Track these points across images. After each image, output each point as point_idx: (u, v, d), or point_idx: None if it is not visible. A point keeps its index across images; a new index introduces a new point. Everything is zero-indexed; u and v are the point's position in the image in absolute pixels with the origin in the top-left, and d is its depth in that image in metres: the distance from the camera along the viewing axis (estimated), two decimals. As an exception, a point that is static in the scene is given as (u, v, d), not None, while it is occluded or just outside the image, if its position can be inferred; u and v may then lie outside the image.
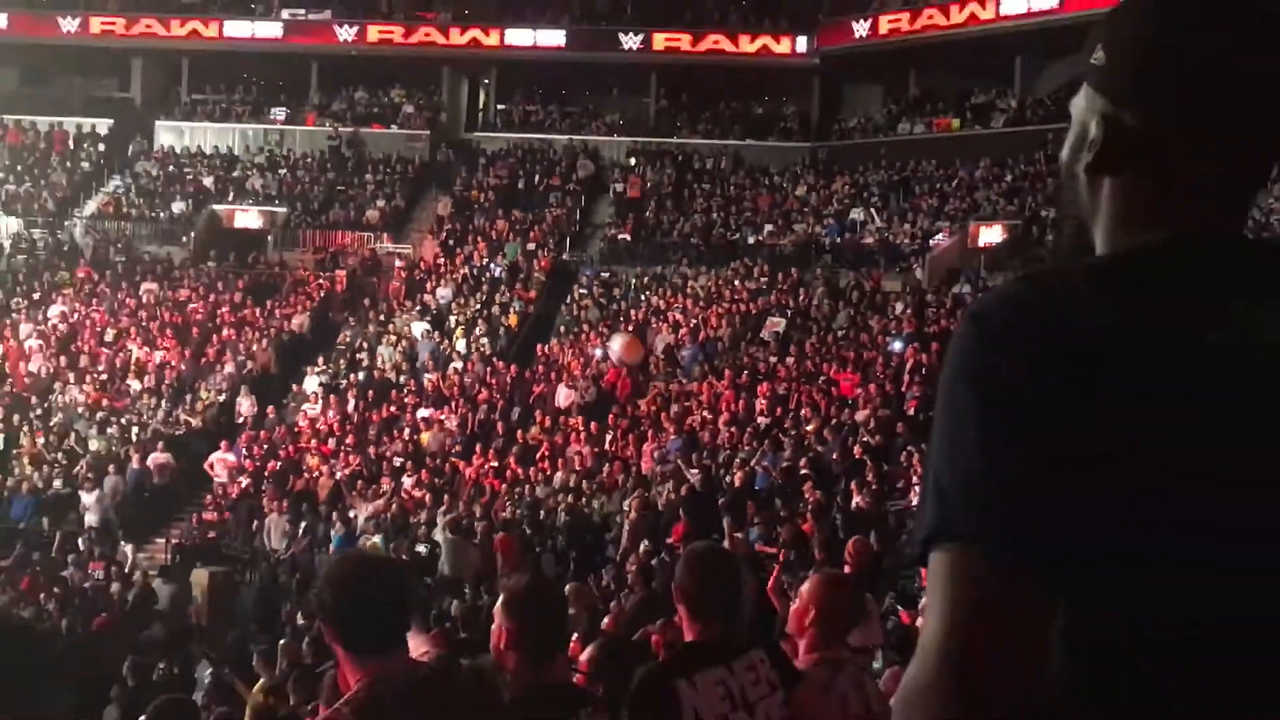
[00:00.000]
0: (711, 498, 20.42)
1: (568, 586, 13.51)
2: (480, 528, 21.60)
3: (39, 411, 29.32)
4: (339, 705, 3.40)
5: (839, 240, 33.94)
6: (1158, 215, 1.55)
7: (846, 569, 10.36)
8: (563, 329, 31.24)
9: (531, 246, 35.64)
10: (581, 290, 33.14)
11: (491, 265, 34.71)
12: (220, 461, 27.10)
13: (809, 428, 22.53)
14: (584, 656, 6.57)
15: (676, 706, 4.02)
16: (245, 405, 29.35)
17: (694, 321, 29.64)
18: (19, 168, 41.19)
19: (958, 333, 1.50)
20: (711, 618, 4.23)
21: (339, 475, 25.47)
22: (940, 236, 32.60)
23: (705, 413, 24.67)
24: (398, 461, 25.67)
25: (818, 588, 4.55)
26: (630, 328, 28.03)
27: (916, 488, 18.44)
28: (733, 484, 20.77)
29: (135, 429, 28.63)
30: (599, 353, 28.24)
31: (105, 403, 29.46)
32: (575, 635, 9.01)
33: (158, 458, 27.08)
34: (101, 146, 42.50)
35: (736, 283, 31.79)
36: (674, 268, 33.84)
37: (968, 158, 36.00)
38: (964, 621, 1.40)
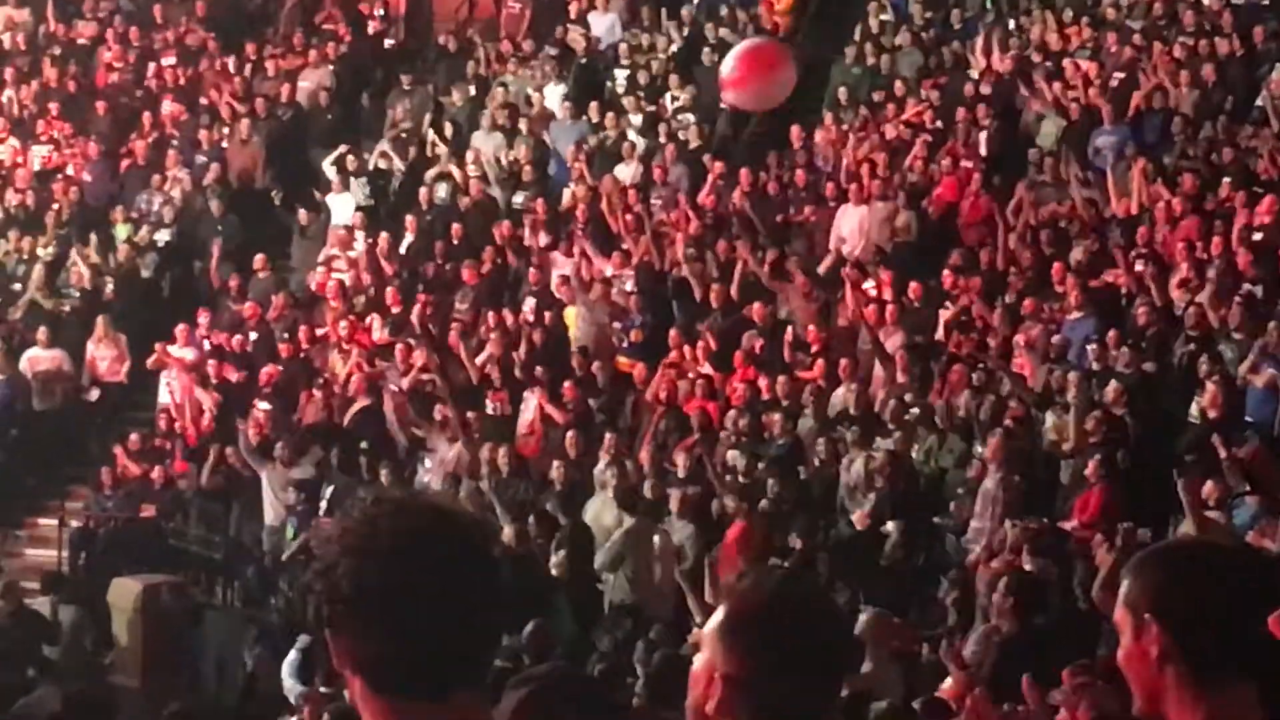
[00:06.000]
0: (1154, 426, 21.51)
1: (863, 616, 15.82)
2: (682, 497, 22.21)
3: None
4: None
5: None
6: None
7: None
8: (843, 96, 31.10)
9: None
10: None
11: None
12: (175, 363, 28.24)
13: None
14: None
15: None
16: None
17: (1119, 74, 29.27)
18: None
19: None
20: (1234, 682, 4.25)
21: (392, 387, 26.35)
22: None
23: (1146, 262, 24.51)
24: (512, 361, 26.30)
25: None
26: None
27: None
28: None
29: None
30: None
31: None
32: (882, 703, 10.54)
33: (38, 358, 28.61)
34: None
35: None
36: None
37: None
38: None
